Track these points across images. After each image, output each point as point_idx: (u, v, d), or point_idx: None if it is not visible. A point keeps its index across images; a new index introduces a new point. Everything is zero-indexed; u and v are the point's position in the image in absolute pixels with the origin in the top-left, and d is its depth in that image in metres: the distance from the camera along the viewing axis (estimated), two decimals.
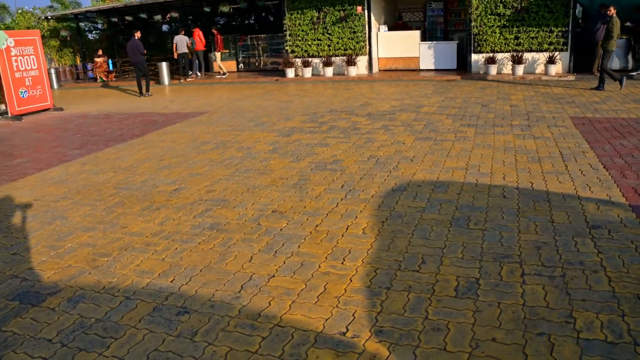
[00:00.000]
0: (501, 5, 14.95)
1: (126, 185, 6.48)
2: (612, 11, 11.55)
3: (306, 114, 10.57)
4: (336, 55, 17.20)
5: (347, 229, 4.58)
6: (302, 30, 17.45)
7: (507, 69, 15.25)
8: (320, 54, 17.38)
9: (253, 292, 3.61)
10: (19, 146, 9.56)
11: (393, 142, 7.70)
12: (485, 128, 8.31)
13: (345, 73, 16.81)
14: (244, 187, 6.01)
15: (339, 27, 16.88)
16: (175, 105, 13.36)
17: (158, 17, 20.29)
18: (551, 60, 14.44)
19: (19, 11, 24.69)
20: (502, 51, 15.27)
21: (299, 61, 17.53)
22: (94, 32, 26.71)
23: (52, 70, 22.04)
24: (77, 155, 8.41)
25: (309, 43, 17.48)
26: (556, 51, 14.69)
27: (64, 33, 23.50)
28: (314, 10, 17.06)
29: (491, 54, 15.23)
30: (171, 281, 3.86)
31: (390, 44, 17.21)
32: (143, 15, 20.32)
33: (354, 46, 16.86)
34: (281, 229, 4.68)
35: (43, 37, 24.28)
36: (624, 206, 4.76)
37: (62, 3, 30.10)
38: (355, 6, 16.34)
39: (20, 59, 13.73)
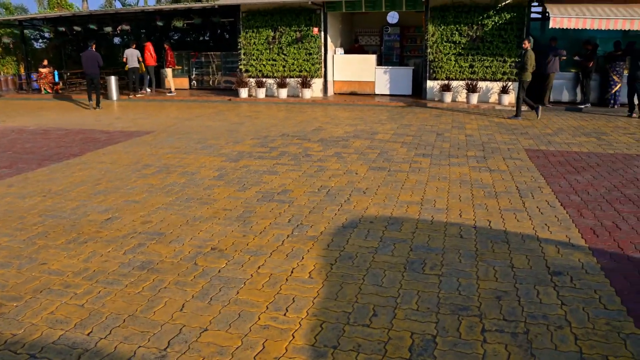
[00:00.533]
0: (457, 33, 15.01)
1: (54, 212, 5.88)
2: (527, 45, 12.27)
3: (257, 138, 10.15)
4: (291, 77, 16.88)
5: (292, 271, 4.16)
6: (257, 50, 17.08)
7: (462, 97, 15.28)
8: (275, 74, 17.03)
9: (181, 350, 3.13)
10: None
11: (345, 171, 7.36)
12: (441, 159, 8.09)
13: (300, 95, 16.50)
14: (183, 219, 5.51)
15: (294, 47, 16.60)
16: (121, 123, 12.70)
17: (109, 29, 19.54)
18: (504, 90, 14.53)
19: None
20: (457, 79, 15.30)
21: (252, 81, 17.12)
22: (40, 40, 25.57)
23: None
24: (4, 175, 7.70)
25: (264, 63, 17.12)
26: (509, 81, 14.81)
27: (6, 40, 22.35)
28: (270, 30, 16.74)
29: (446, 82, 15.23)
30: (88, 334, 3.34)
31: (346, 67, 17.04)
32: (93, 26, 19.53)
33: (310, 68, 16.59)
34: (219, 270, 4.21)
35: None
36: (584, 249, 4.53)
37: (7, 8, 28.82)
38: (311, 27, 16.10)
39: None
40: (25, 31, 23.22)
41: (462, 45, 15.05)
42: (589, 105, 14.33)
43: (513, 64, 14.52)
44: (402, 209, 5.64)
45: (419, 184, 6.64)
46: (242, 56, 17.39)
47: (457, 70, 15.25)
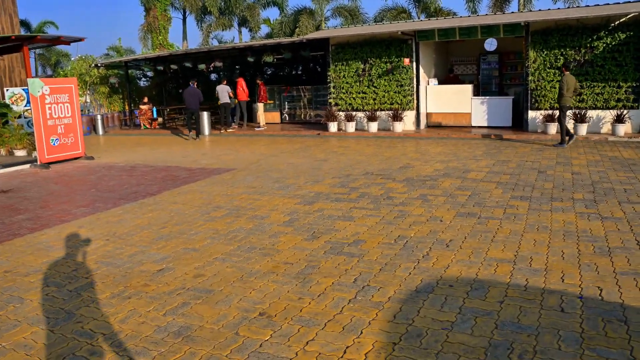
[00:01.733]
0: (562, 58, 13.72)
1: (110, 259, 5.59)
2: (565, 71, 12.06)
3: (338, 177, 9.56)
4: (381, 110, 16.27)
5: (345, 351, 3.45)
6: (347, 83, 16.67)
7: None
8: (365, 107, 16.50)
9: None
10: (30, 199, 8.94)
11: (429, 217, 6.54)
12: (541, 202, 7.04)
13: (391, 129, 15.81)
14: (238, 273, 4.98)
15: (385, 79, 16.01)
16: (206, 159, 12.66)
17: (202, 66, 20.07)
18: (619, 119, 12.99)
19: (78, 58, 25.20)
20: None
21: (342, 115, 16.68)
22: (143, 79, 26.98)
23: (99, 117, 22.17)
24: (79, 215, 7.67)
25: (354, 96, 16.66)
26: (625, 109, 13.23)
27: (112, 80, 23.77)
28: (360, 62, 16.29)
29: (550, 111, 13.92)
30: None
31: (440, 99, 16.16)
32: (188, 64, 20.15)
33: (401, 100, 15.89)
34: (261, 344, 3.59)
35: (93, 83, 24.72)
36: None
37: (118, 51, 30.88)
38: (402, 58, 15.46)
39: (54, 107, 13.50)
40: (132, 71, 24.56)
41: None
42: None
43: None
44: (491, 269, 4.75)
45: (514, 235, 5.69)
46: (332, 89, 17.06)
47: None
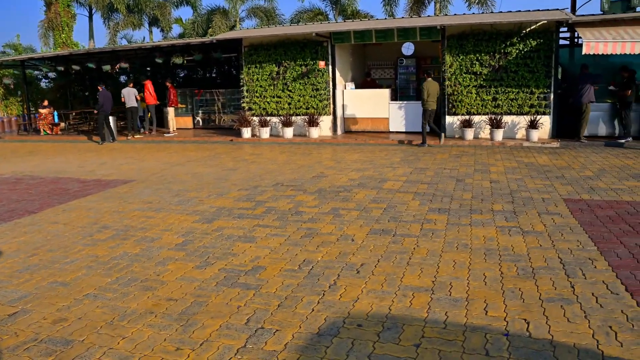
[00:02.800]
0: (477, 63, 13.59)
1: None
2: (427, 77, 13.32)
3: (245, 188, 8.75)
4: (297, 115, 15.59)
5: None
6: (261, 86, 15.87)
7: (485, 133, 13.75)
8: (280, 112, 15.75)
9: None
10: None
11: (340, 236, 5.87)
12: (460, 215, 6.56)
13: (307, 134, 15.16)
14: (109, 315, 4.08)
15: (300, 83, 15.34)
16: (103, 169, 11.45)
17: (107, 68, 18.61)
18: (533, 125, 12.98)
19: None
20: (479, 113, 13.81)
21: (256, 120, 15.86)
22: (44, 80, 24.91)
23: None
24: None
25: (268, 100, 15.88)
26: (538, 114, 13.27)
27: (7, 81, 21.71)
28: (274, 65, 15.54)
29: (467, 117, 13.76)
30: None
31: (358, 103, 15.69)
32: (91, 65, 18.62)
33: (317, 105, 15.28)
34: None
35: None
36: None
37: (16, 49, 28.48)
38: (318, 61, 14.86)
39: None
40: (30, 71, 22.57)
41: (484, 77, 13.61)
42: (630, 139, 12.71)
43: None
44: (406, 301, 4.11)
45: (431, 256, 5.12)
46: (245, 93, 16.21)
47: (478, 104, 13.78)
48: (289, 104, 15.62)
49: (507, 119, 13.53)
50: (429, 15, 21.71)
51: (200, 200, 8.01)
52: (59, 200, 8.54)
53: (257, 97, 16.00)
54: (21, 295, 4.61)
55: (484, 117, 13.64)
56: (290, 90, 15.51)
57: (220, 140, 16.01)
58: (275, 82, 15.63)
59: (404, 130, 15.33)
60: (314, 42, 14.91)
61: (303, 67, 15.16)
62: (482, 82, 13.65)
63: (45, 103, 21.21)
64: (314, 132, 14.98)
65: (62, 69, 20.11)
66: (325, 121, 15.33)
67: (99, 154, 14.41)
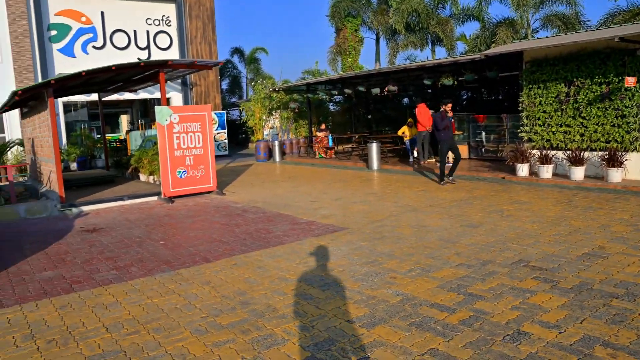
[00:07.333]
0: None
1: None
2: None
3: (468, 264, 5.96)
4: (592, 149, 11.69)
5: None
6: (544, 112, 12.44)
7: None
8: (569, 146, 12.06)
9: None
10: (76, 252, 7.20)
11: None
12: None
13: (605, 177, 11.18)
14: None
15: (598, 108, 11.44)
16: (330, 209, 9.89)
17: (376, 91, 17.45)
18: None
19: (259, 82, 24.68)
20: None
21: (536, 154, 12.48)
22: (330, 103, 25.47)
23: (276, 143, 21.14)
24: (97, 283, 5.67)
25: (553, 130, 12.35)
26: None
27: (292, 105, 22.65)
28: (562, 84, 11.98)
29: None
30: None
31: None
32: (361, 88, 17.72)
33: (622, 137, 11.14)
34: None
35: (273, 108, 23.98)
36: None
37: (313, 74, 30.02)
38: (624, 77, 10.81)
39: (184, 136, 12.13)
40: (316, 95, 23.16)
41: None
42: None
43: None
44: None
45: None
46: (524, 120, 12.98)
47: None
48: (582, 135, 11.82)
49: None
50: None
51: (393, 276, 5.60)
52: (247, 247, 7.24)
53: (539, 126, 12.61)
54: None
55: None
56: (583, 117, 11.72)
57: (488, 177, 13.10)
58: (563, 107, 12.04)
59: None
60: (619, 51, 10.92)
61: (603, 85, 11.25)
62: None
63: (322, 127, 21.33)
64: (615, 175, 10.92)
65: (350, 91, 19.87)
66: (634, 160, 11.09)
67: (346, 185, 13.06)
